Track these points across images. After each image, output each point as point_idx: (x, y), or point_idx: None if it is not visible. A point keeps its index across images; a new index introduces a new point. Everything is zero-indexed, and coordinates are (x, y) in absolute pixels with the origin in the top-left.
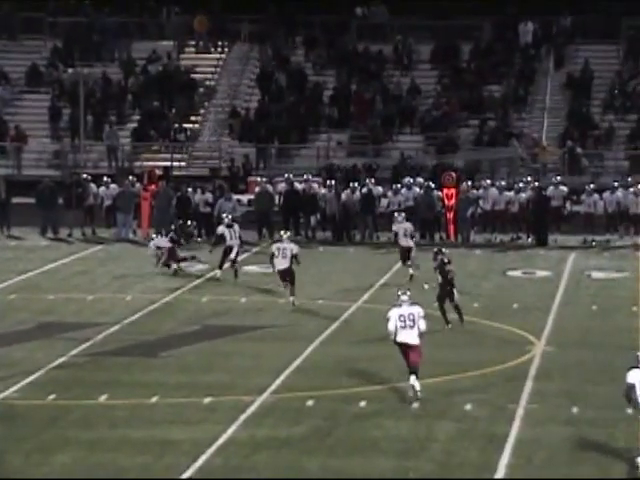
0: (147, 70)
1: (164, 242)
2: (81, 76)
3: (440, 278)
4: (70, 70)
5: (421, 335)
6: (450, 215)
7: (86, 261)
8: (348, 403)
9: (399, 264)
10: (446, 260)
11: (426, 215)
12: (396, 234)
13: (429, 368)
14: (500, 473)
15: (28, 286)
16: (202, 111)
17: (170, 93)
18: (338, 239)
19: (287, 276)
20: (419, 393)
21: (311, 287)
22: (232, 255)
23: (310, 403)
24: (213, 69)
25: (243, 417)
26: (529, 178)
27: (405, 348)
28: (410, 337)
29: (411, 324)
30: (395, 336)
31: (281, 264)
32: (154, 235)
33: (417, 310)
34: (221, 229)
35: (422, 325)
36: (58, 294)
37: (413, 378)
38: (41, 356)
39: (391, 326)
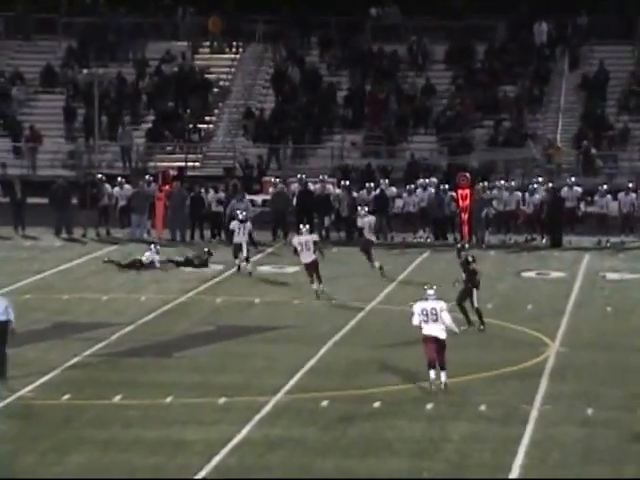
0: (161, 70)
1: (156, 257)
2: (96, 76)
3: (464, 276)
4: (85, 70)
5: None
6: (464, 216)
7: (100, 261)
8: (362, 404)
9: (413, 265)
10: (470, 259)
11: (437, 216)
12: (361, 229)
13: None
14: (514, 474)
15: (43, 286)
16: (216, 111)
17: (184, 93)
18: (349, 240)
19: (313, 268)
20: (443, 386)
21: (325, 288)
22: (244, 253)
23: (324, 404)
24: (227, 69)
25: (257, 417)
26: (540, 179)
27: (430, 342)
28: (435, 330)
29: (434, 318)
30: (421, 330)
31: (307, 257)
32: (152, 248)
33: (440, 305)
34: (233, 224)
35: (447, 319)
36: (72, 294)
37: (443, 374)
38: (55, 356)
39: (415, 320)
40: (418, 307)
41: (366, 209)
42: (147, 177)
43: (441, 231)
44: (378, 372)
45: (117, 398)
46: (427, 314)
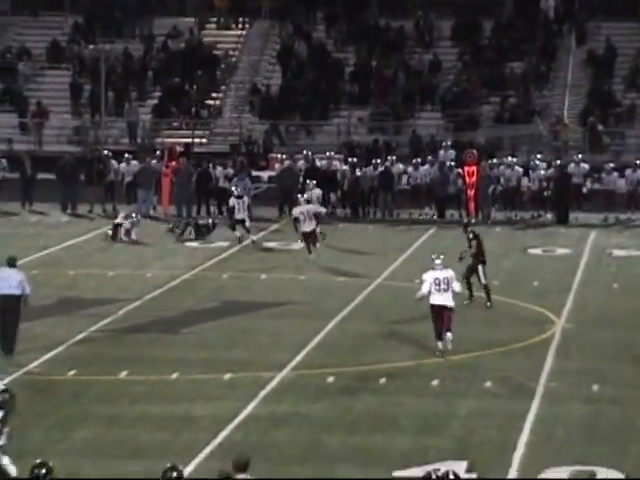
0: (168, 46)
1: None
2: (102, 52)
3: (470, 251)
4: (91, 46)
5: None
6: (471, 193)
7: (105, 237)
8: (368, 380)
9: (419, 241)
10: (471, 236)
11: (440, 194)
12: (308, 201)
13: (454, 345)
14: (519, 451)
15: (49, 262)
16: (223, 88)
17: (191, 69)
18: (352, 215)
19: (311, 237)
20: (449, 346)
21: (331, 264)
22: (246, 226)
23: (330, 380)
24: (234, 45)
25: (263, 393)
26: (539, 155)
27: (439, 310)
28: (444, 299)
29: (445, 287)
30: (429, 299)
31: (308, 226)
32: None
33: (450, 274)
34: (232, 201)
35: (456, 287)
36: (79, 270)
37: (449, 335)
38: (62, 332)
39: (425, 288)
40: (430, 276)
41: (314, 182)
42: (157, 153)
43: (444, 208)
44: (384, 348)
45: (123, 374)
46: (439, 283)
